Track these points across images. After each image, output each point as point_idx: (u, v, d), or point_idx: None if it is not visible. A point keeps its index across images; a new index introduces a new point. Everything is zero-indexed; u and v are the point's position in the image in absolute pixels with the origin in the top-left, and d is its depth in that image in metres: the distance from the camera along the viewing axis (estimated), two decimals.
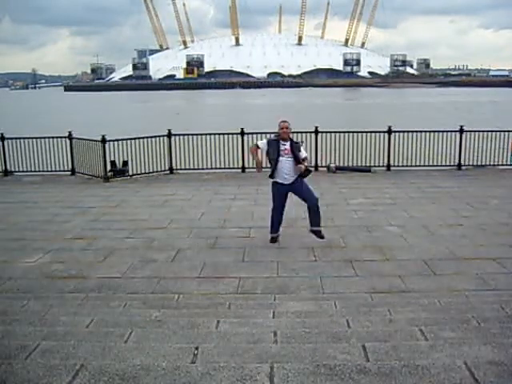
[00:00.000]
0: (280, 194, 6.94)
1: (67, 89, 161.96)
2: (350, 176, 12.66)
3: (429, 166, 13.37)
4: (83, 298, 5.37)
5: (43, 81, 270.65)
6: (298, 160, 6.75)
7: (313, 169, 7.19)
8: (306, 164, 6.92)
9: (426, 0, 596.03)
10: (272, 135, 7.31)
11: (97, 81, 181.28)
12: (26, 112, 61.10)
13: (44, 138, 13.12)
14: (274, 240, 7.12)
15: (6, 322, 4.34)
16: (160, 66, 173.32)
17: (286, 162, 6.76)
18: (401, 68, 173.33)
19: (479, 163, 13.33)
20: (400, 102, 70.57)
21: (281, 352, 3.42)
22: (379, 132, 13.21)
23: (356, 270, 6.13)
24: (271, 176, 6.89)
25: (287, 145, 6.78)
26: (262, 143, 7.01)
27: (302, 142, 7.46)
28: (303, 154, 6.95)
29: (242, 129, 13.10)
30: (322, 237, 6.96)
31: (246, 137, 13.08)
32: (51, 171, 13.29)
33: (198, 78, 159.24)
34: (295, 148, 6.80)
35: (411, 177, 12.38)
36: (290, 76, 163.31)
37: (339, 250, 6.92)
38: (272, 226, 7.13)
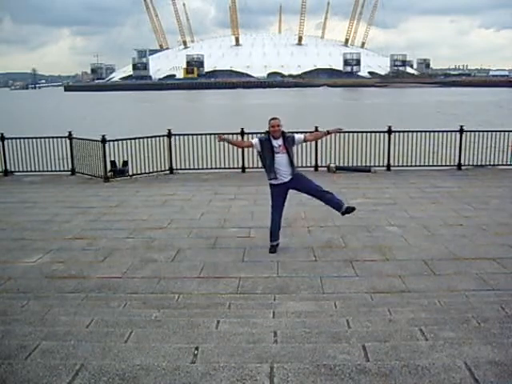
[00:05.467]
0: (279, 193, 6.71)
1: (67, 89, 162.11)
2: (349, 176, 12.66)
3: (429, 165, 13.37)
4: (83, 297, 5.37)
5: (43, 81, 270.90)
6: (292, 156, 6.55)
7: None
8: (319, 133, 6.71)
9: (426, 0, 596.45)
10: (262, 134, 6.96)
11: (97, 81, 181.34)
12: (26, 112, 61.07)
13: (44, 138, 13.13)
14: (273, 249, 6.82)
15: (5, 322, 4.34)
16: (160, 66, 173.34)
17: (281, 159, 6.52)
18: (401, 68, 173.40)
19: (479, 163, 13.34)
20: (396, 101, 70.72)
21: (281, 352, 3.41)
22: (379, 132, 13.20)
23: (356, 269, 6.13)
24: (270, 177, 6.63)
25: (280, 141, 6.52)
26: (256, 142, 6.69)
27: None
28: (300, 137, 6.74)
29: (242, 129, 13.10)
30: (353, 208, 6.73)
31: (245, 137, 13.07)
32: (51, 171, 13.30)
33: (198, 77, 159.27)
34: (289, 142, 6.55)
35: (411, 177, 12.38)
36: (290, 76, 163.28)
37: (339, 249, 6.92)
38: (272, 234, 6.86)
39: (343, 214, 6.79)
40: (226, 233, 7.82)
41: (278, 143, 6.53)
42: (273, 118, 6.60)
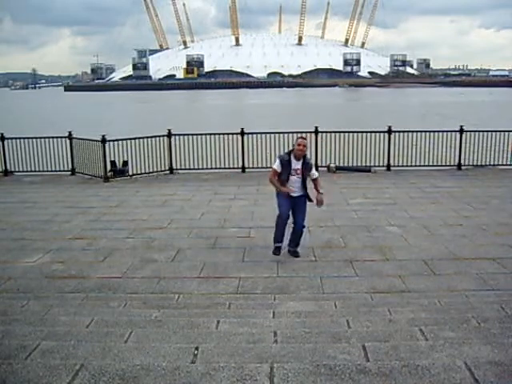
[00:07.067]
0: (286, 200, 6.55)
1: (67, 89, 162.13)
2: (350, 176, 12.66)
3: (429, 165, 13.36)
4: (83, 298, 5.37)
5: (43, 81, 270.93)
6: (306, 179, 6.51)
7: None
8: (320, 196, 6.62)
9: (426, 0, 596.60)
10: (283, 152, 6.89)
11: (97, 81, 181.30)
12: (26, 112, 61.07)
13: (44, 138, 13.12)
14: (278, 250, 6.63)
15: (5, 322, 4.34)
16: (160, 66, 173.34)
17: (295, 182, 6.49)
18: (401, 68, 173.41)
19: (479, 163, 13.34)
20: (396, 102, 70.77)
21: (281, 352, 3.41)
22: (379, 132, 13.20)
23: (356, 269, 6.13)
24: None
25: (299, 164, 6.47)
26: (278, 166, 6.50)
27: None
28: (315, 174, 6.68)
29: (242, 129, 13.09)
30: (297, 256, 6.71)
31: (246, 137, 13.08)
32: (51, 171, 13.29)
33: (198, 77, 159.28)
34: (307, 168, 6.51)
35: (411, 177, 12.38)
36: (290, 76, 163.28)
37: (339, 249, 6.92)
38: (276, 236, 6.69)
39: (293, 254, 6.72)
40: (225, 233, 7.82)
41: (296, 166, 6.47)
42: (301, 138, 6.59)
